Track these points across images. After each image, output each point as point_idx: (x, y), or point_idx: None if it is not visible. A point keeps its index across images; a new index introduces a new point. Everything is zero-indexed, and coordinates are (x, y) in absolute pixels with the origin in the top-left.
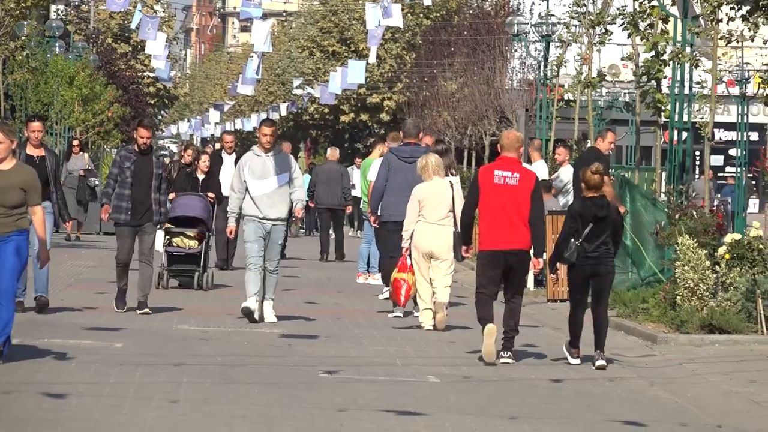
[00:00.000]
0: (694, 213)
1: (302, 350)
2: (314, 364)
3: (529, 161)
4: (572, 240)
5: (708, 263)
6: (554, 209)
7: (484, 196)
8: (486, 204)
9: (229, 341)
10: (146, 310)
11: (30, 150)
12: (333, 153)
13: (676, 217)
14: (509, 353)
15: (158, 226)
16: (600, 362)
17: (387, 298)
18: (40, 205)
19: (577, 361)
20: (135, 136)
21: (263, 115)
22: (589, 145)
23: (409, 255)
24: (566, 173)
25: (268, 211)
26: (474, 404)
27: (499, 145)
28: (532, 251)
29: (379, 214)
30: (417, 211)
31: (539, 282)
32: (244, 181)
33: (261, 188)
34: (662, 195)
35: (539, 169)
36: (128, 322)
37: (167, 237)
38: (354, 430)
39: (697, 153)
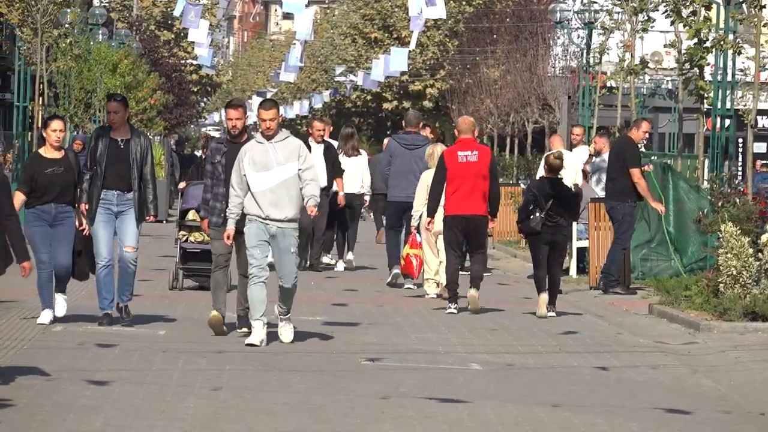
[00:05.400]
0: (737, 200)
1: (344, 338)
2: (356, 352)
3: (571, 147)
4: (538, 213)
5: (751, 251)
6: (594, 196)
7: (451, 172)
8: (453, 179)
9: (271, 329)
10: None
11: (114, 133)
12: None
13: (719, 204)
14: (476, 290)
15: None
16: (551, 314)
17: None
18: None
19: (551, 314)
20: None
21: (306, 103)
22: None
23: (418, 232)
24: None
25: (270, 210)
26: (516, 392)
27: (456, 130)
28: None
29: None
30: (425, 194)
31: (582, 269)
32: (244, 175)
33: (262, 182)
34: (705, 182)
35: (580, 153)
36: (171, 310)
37: (182, 232)
38: (396, 417)
39: (740, 140)
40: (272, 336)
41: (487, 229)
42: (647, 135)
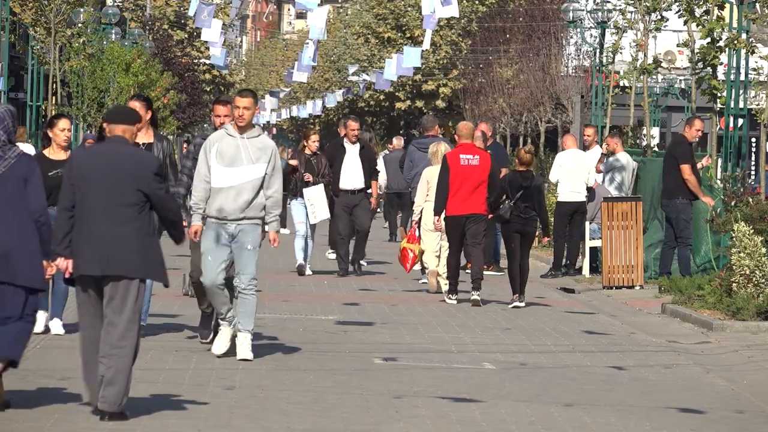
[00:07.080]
0: (750, 200)
1: (358, 337)
2: (370, 351)
3: (584, 147)
4: (507, 202)
5: (764, 250)
6: (607, 196)
7: (453, 174)
8: (454, 180)
9: (284, 328)
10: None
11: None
12: (399, 142)
13: (732, 203)
14: (478, 293)
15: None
16: (517, 303)
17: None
18: None
19: (520, 303)
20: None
21: (318, 102)
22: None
23: (418, 227)
24: (623, 156)
25: (230, 208)
26: (529, 391)
27: (456, 135)
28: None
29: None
30: (426, 190)
31: (594, 269)
32: (210, 166)
33: (227, 178)
34: (718, 182)
35: (594, 154)
36: (184, 309)
37: None
38: (409, 416)
39: (753, 140)
40: (283, 337)
41: (485, 224)
42: (700, 133)
